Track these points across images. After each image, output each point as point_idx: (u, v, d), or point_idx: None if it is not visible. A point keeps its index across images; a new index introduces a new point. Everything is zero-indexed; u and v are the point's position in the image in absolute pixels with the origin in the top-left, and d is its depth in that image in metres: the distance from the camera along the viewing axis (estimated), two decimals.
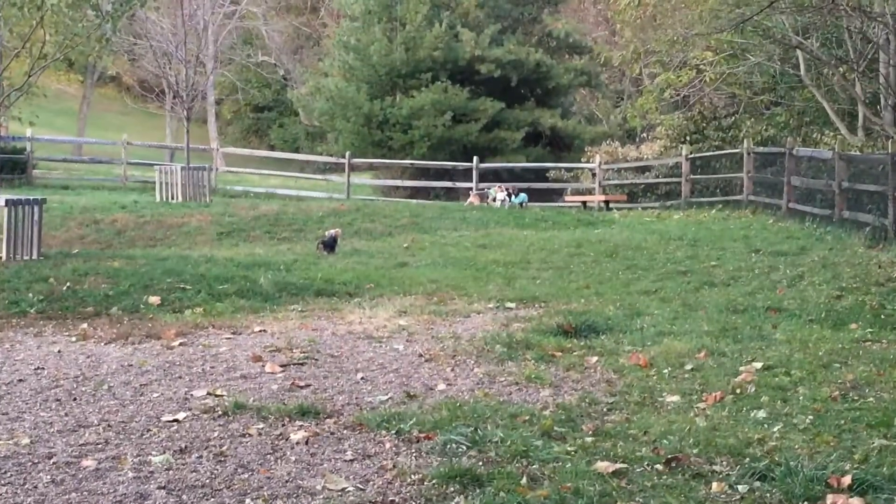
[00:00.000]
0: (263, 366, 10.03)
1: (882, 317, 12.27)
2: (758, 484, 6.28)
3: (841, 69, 30.93)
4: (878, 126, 29.02)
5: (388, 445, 7.27)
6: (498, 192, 32.32)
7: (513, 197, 32.29)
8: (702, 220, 26.13)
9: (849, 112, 33.03)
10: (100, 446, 7.28)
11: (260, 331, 12.14)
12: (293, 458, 7.00)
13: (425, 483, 6.41)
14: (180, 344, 11.28)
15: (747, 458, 6.76)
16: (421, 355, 10.59)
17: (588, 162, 37.64)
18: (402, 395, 8.84)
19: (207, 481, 6.51)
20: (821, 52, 30.61)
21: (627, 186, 35.88)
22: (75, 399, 8.72)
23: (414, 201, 35.45)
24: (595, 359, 10.28)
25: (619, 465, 6.61)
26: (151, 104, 61.79)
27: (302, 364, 10.17)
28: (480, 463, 6.77)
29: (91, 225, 24.22)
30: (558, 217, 27.39)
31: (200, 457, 7.03)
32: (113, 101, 74.79)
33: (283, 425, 7.80)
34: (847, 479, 6.18)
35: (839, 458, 6.69)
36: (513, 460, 6.81)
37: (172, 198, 29.91)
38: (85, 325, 12.37)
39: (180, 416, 8.06)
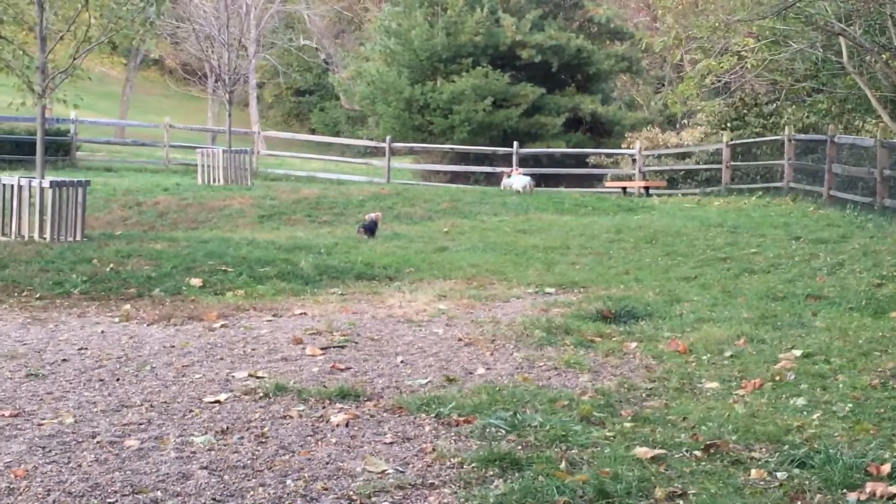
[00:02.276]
0: (304, 348, 10.10)
1: None
2: (796, 471, 6.29)
3: (884, 56, 30.68)
4: None
5: (427, 429, 7.32)
6: (514, 177, 31.82)
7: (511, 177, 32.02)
8: (742, 206, 26.02)
9: (891, 100, 32.74)
10: (142, 426, 7.36)
11: (300, 313, 12.21)
12: (333, 441, 7.05)
13: (464, 466, 6.45)
14: (222, 326, 11.36)
15: (786, 446, 6.76)
16: (460, 339, 10.63)
17: (628, 148, 37.53)
18: (442, 378, 8.88)
19: (249, 462, 6.57)
20: (864, 38, 30.36)
21: (667, 172, 35.77)
22: (118, 379, 8.81)
23: (454, 186, 35.50)
24: (634, 344, 10.30)
25: (657, 451, 6.63)
26: (194, 87, 61.99)
27: (342, 347, 10.23)
28: (519, 447, 6.80)
29: (133, 207, 24.37)
30: (598, 203, 27.37)
31: (242, 438, 7.09)
32: (155, 84, 75.14)
33: (324, 408, 7.86)
34: (886, 468, 6.18)
35: (879, 447, 6.69)
36: (552, 445, 6.84)
37: (214, 181, 30.02)
38: (128, 307, 12.47)
39: (222, 397, 8.14)
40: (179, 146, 40.12)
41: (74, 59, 18.55)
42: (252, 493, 6.04)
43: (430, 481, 6.22)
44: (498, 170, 37.22)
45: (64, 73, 18.47)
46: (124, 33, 19.24)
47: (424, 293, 13.65)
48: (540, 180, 34.98)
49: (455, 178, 40.55)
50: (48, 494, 5.96)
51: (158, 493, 6.02)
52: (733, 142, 32.56)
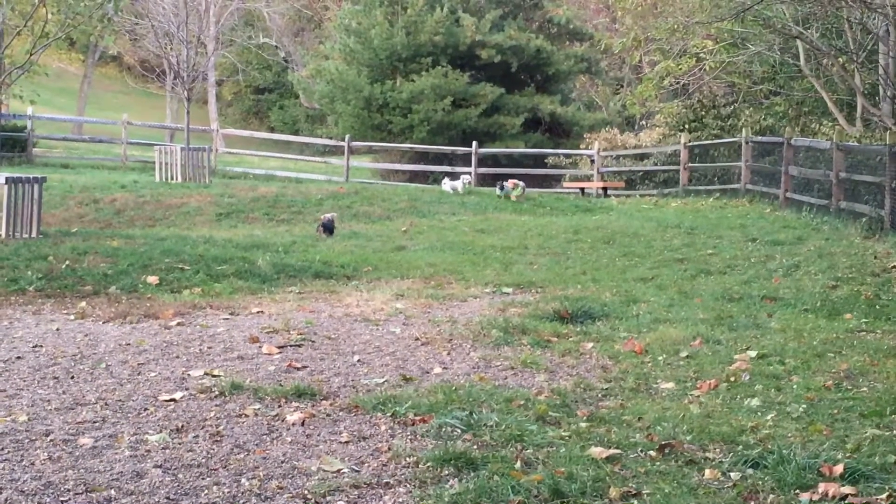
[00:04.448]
0: (260, 347, 10.08)
1: (877, 307, 12.30)
2: (750, 471, 6.32)
3: (840, 60, 30.90)
4: (876, 117, 29.01)
5: (383, 428, 7.32)
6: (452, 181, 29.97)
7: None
8: (699, 208, 26.15)
9: (847, 103, 33.02)
10: (97, 424, 7.33)
11: (257, 312, 12.18)
12: (289, 439, 7.04)
13: (420, 465, 6.45)
14: (178, 324, 11.32)
15: (740, 446, 6.80)
16: (417, 339, 10.63)
17: (587, 149, 37.63)
18: (399, 378, 8.88)
19: (203, 461, 6.56)
20: (821, 42, 30.58)
21: (626, 173, 35.87)
22: (73, 377, 8.77)
23: (413, 185, 35.49)
24: (591, 345, 10.32)
25: (612, 451, 6.65)
26: (152, 84, 61.80)
27: (299, 346, 10.22)
28: (475, 446, 6.80)
29: (90, 204, 24.25)
30: (556, 203, 27.39)
31: (197, 436, 7.07)
32: (114, 80, 74.78)
33: (280, 406, 7.84)
34: (839, 468, 6.21)
35: (831, 447, 6.73)
36: (507, 444, 6.85)
37: (172, 178, 29.88)
38: (83, 304, 12.41)
39: (177, 395, 8.11)
40: (137, 143, 39.95)
41: (31, 54, 18.45)
42: (207, 491, 6.02)
43: (385, 480, 6.23)
44: (458, 170, 37.23)
45: (20, 69, 18.38)
46: (82, 29, 19.19)
47: (382, 292, 13.65)
48: (498, 180, 35.00)
49: (414, 177, 40.57)
50: (0, 493, 5.92)
51: (112, 491, 6.00)
52: (691, 143, 32.71)
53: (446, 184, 29.79)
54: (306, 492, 6.03)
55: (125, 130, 38.52)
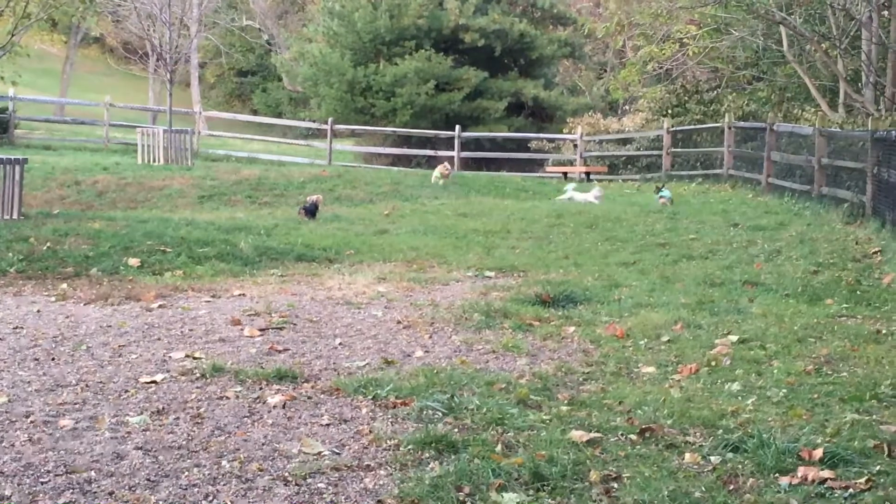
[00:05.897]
0: (242, 329, 10.06)
1: (857, 292, 12.31)
2: (730, 455, 6.34)
3: (823, 46, 30.94)
4: (858, 103, 29.06)
5: (364, 411, 7.32)
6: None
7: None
8: (681, 193, 26.14)
9: (830, 89, 33.06)
10: (77, 406, 7.31)
11: (239, 294, 12.17)
12: (270, 422, 7.04)
13: (401, 448, 6.46)
14: (159, 306, 11.30)
15: (720, 430, 6.82)
16: (399, 322, 10.63)
17: (570, 133, 37.65)
18: (380, 361, 8.88)
19: (184, 443, 6.55)
20: (804, 28, 30.61)
21: (608, 158, 35.92)
22: (53, 359, 8.75)
23: (395, 169, 35.46)
24: (572, 329, 10.32)
25: (593, 435, 6.66)
26: (135, 66, 61.71)
27: (280, 328, 10.20)
28: (456, 430, 6.81)
29: (72, 186, 24.18)
30: (539, 187, 27.39)
31: (178, 418, 7.07)
32: (96, 62, 74.58)
33: (261, 389, 7.84)
34: (819, 452, 6.24)
35: (811, 432, 6.75)
36: (488, 427, 6.85)
37: (154, 160, 29.85)
38: (64, 286, 12.39)
39: (158, 377, 8.10)
40: (120, 125, 39.86)
41: (13, 35, 18.43)
42: (187, 473, 6.02)
43: (366, 463, 6.23)
44: (440, 153, 37.16)
45: (2, 50, 18.30)
46: (64, 10, 19.15)
47: (364, 275, 13.64)
48: (481, 164, 35.04)
49: (397, 160, 40.49)
50: None
51: (92, 472, 5.99)
52: (674, 128, 32.73)
53: (570, 192, 25.29)
54: (287, 474, 6.02)
55: (107, 112, 38.43)
